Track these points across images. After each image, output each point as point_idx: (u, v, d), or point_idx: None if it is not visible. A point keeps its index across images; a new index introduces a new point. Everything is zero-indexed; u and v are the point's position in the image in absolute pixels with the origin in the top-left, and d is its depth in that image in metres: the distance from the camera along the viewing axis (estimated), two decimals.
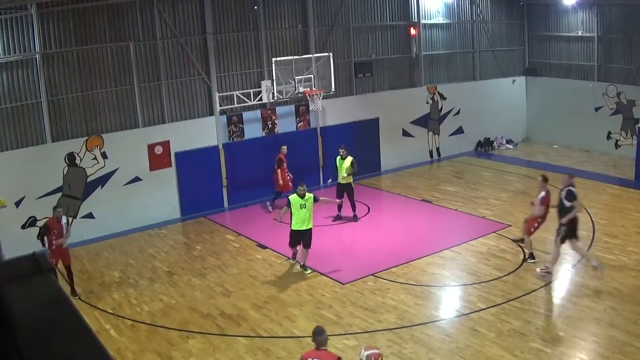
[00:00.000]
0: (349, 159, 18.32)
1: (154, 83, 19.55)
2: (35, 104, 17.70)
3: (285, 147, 19.92)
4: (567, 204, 13.77)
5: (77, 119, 18.41)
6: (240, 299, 13.85)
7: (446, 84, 25.93)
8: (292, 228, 14.99)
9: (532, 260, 14.70)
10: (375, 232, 17.86)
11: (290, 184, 19.44)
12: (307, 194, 14.89)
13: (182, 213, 20.12)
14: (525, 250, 15.10)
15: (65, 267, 14.42)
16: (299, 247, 15.19)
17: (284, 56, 20.69)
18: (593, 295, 12.79)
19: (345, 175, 18.30)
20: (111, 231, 18.57)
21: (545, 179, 14.83)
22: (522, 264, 14.64)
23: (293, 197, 14.92)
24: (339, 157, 18.58)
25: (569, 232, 13.72)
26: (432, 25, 25.58)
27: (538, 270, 14.19)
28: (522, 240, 15.48)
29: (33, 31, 17.29)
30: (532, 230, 14.74)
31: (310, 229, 14.98)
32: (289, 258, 15.84)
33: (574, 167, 23.10)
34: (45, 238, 14.65)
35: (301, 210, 14.76)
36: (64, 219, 14.64)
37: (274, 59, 20.12)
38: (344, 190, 18.47)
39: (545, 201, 14.50)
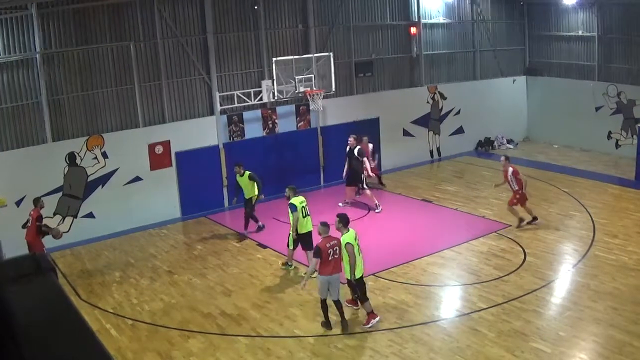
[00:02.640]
0: (247, 174, 17.67)
1: (154, 83, 19.55)
2: (36, 103, 17.71)
3: (366, 137, 21.06)
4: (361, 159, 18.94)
5: (77, 119, 18.42)
6: (240, 299, 13.85)
7: (446, 84, 25.92)
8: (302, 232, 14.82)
9: (535, 222, 17.13)
10: (375, 231, 17.85)
11: (372, 174, 20.77)
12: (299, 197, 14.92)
13: (182, 213, 20.13)
14: (521, 218, 17.10)
15: None
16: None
17: (284, 56, 20.67)
18: (593, 295, 12.79)
19: (253, 191, 17.70)
20: (112, 231, 18.58)
21: (507, 158, 17.73)
22: (522, 264, 14.65)
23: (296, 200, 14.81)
24: (237, 176, 17.84)
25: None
26: (432, 25, 25.57)
27: (376, 211, 19.05)
28: (521, 220, 17.14)
29: (33, 31, 17.30)
30: (515, 202, 17.16)
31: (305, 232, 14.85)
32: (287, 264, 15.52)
33: (574, 166, 23.15)
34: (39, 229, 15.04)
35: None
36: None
37: (274, 59, 20.11)
38: (245, 205, 17.89)
39: (515, 174, 17.10)
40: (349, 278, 12.04)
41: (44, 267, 2.44)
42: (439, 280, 14.28)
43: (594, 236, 16.22)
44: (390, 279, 14.27)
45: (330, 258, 11.85)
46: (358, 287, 12.16)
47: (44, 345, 2.08)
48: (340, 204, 19.52)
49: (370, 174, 20.11)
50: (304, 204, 14.82)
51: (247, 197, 17.84)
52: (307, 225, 14.82)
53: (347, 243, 11.83)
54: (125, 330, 12.69)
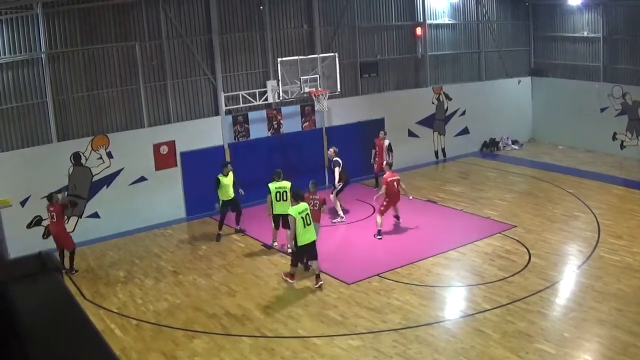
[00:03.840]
0: (231, 173, 17.86)
1: (159, 83, 19.58)
2: (41, 103, 17.75)
3: (382, 132, 22.03)
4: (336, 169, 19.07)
5: (82, 119, 18.45)
6: (245, 299, 13.86)
7: (452, 85, 25.90)
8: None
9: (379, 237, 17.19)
10: None
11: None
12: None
13: (187, 213, 20.15)
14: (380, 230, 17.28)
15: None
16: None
17: (289, 56, 20.66)
18: (598, 296, 12.76)
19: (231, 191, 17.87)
20: (116, 231, 18.60)
21: (389, 165, 18.32)
22: (527, 265, 14.63)
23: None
24: (221, 175, 17.81)
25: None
26: (437, 26, 25.56)
27: (333, 220, 18.69)
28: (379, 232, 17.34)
29: (39, 30, 17.34)
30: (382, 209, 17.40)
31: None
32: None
33: (579, 167, 23.11)
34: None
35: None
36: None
37: (279, 59, 20.08)
38: (229, 206, 17.92)
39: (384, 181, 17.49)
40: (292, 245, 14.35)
41: (49, 266, 2.45)
42: (443, 281, 14.27)
43: (598, 237, 16.19)
44: (394, 280, 14.26)
45: (312, 207, 14.72)
46: (296, 253, 14.29)
47: (49, 345, 2.08)
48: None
49: (336, 184, 19.27)
50: (280, 190, 16.11)
51: (227, 198, 17.80)
52: (280, 208, 15.96)
53: (289, 214, 13.96)
54: (129, 330, 12.71)
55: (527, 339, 11.21)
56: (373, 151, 21.72)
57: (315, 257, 14.17)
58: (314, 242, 14.07)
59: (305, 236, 13.83)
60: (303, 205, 14.01)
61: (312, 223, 14.08)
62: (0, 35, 16.89)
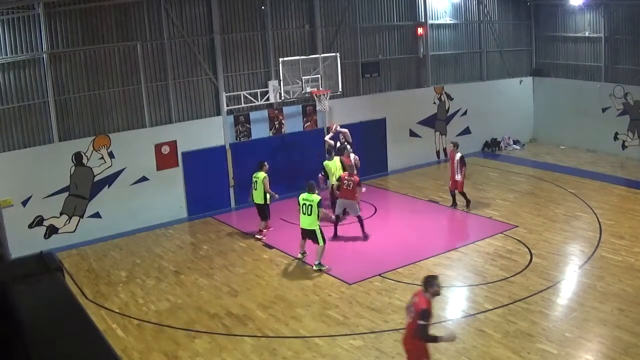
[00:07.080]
0: (337, 158, 18.79)
1: (161, 83, 19.58)
2: (43, 103, 17.76)
3: (453, 144, 19.91)
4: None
5: (84, 119, 18.45)
6: (246, 299, 13.86)
7: (453, 85, 25.89)
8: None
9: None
10: (382, 232, 17.83)
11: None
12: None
13: (188, 213, 20.15)
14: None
15: None
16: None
17: (291, 56, 20.68)
18: (599, 296, 12.76)
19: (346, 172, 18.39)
20: (118, 231, 18.60)
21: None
22: (528, 265, 14.62)
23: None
24: (326, 161, 19.02)
25: None
26: (439, 26, 25.55)
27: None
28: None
29: (40, 31, 17.34)
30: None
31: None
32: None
33: (580, 167, 23.11)
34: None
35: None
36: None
37: (281, 59, 20.11)
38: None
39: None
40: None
41: (51, 266, 2.45)
42: (445, 281, 14.17)
43: (600, 237, 16.18)
44: (396, 280, 14.26)
45: (344, 187, 16.95)
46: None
47: (51, 345, 2.08)
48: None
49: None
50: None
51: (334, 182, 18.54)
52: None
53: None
54: (131, 331, 12.71)
55: (528, 339, 11.21)
56: (449, 164, 19.81)
57: (263, 219, 17.69)
58: (258, 205, 17.47)
59: (254, 196, 17.49)
60: (260, 173, 17.40)
61: (257, 189, 17.26)
62: (1, 35, 16.91)
